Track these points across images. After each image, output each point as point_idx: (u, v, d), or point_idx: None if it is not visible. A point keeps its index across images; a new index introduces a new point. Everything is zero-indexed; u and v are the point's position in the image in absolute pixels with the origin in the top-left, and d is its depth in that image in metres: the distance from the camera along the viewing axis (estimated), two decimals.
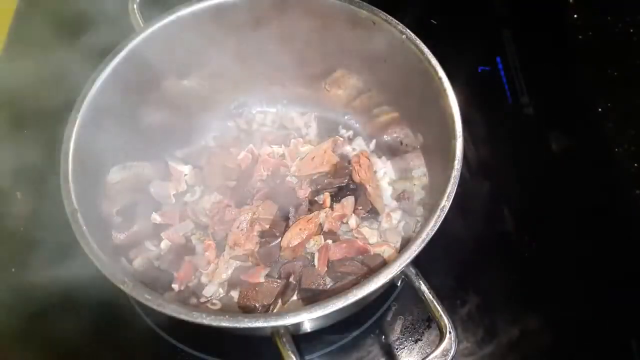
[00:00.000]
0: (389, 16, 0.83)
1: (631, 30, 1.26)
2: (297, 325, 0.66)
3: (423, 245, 0.65)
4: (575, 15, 1.28)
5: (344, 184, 0.96)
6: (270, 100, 1.09)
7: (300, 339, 0.86)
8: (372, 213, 0.96)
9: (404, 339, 0.89)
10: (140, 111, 0.89)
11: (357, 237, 0.91)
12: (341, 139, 1.03)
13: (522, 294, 0.93)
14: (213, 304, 0.87)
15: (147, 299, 0.62)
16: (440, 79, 0.77)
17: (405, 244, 0.68)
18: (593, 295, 0.93)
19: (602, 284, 0.94)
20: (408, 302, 0.92)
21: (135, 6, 0.89)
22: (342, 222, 0.93)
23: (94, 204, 0.77)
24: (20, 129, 1.11)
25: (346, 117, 1.08)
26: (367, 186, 0.94)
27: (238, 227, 0.89)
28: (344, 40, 0.91)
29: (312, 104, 1.08)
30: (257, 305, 0.82)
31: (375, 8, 0.84)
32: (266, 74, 1.04)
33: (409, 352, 0.88)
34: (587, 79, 1.19)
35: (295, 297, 0.87)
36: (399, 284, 0.70)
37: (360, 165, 0.95)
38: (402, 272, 0.65)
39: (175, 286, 0.86)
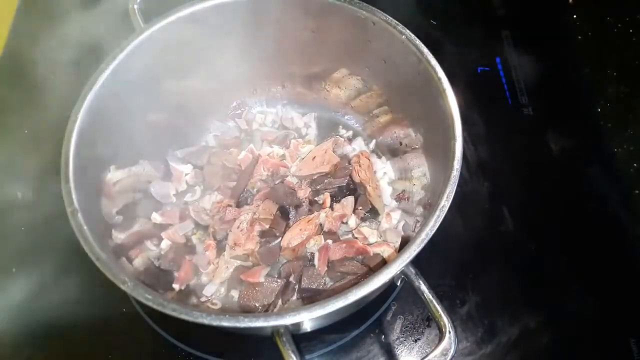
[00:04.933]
0: (388, 16, 0.83)
1: (631, 30, 1.26)
2: (297, 325, 0.66)
3: (423, 245, 0.65)
4: (575, 15, 1.28)
5: (344, 184, 0.97)
6: (270, 100, 1.09)
7: (300, 339, 0.86)
8: (372, 213, 0.96)
9: (403, 339, 0.90)
10: (141, 111, 0.89)
11: (357, 237, 0.91)
12: (342, 139, 1.03)
13: (522, 294, 0.94)
14: (213, 303, 0.87)
15: (148, 298, 0.62)
16: (439, 79, 0.77)
17: (405, 243, 0.68)
18: (593, 295, 0.93)
19: (602, 284, 0.94)
20: (408, 302, 0.92)
21: (135, 6, 0.89)
22: (342, 222, 0.93)
23: (94, 204, 0.77)
24: (20, 128, 1.11)
25: (346, 117, 1.08)
26: (367, 186, 0.94)
27: (238, 227, 0.89)
28: (344, 40, 0.91)
29: (312, 104, 1.08)
30: (257, 305, 0.82)
31: (375, 8, 0.84)
32: (266, 74, 1.04)
33: (408, 351, 0.88)
34: (587, 79, 1.19)
35: (295, 297, 0.87)
36: (398, 284, 0.70)
37: (360, 165, 0.96)
38: (402, 272, 0.65)
39: (175, 286, 0.86)
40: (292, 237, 0.88)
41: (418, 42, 0.81)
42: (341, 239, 0.91)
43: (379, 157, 1.03)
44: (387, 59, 0.89)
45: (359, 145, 1.04)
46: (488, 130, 1.10)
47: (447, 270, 0.95)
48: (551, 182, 1.05)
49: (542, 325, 0.90)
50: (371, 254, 0.87)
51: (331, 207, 0.94)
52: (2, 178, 1.06)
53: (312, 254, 0.89)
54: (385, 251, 0.87)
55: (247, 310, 0.83)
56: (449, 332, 0.62)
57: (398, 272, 0.64)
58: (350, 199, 0.95)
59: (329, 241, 0.89)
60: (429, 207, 0.77)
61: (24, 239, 0.99)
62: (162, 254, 0.90)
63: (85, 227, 0.67)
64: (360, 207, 0.95)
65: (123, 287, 0.63)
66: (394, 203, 0.97)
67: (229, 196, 0.95)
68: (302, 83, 1.05)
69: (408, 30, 0.82)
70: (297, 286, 0.86)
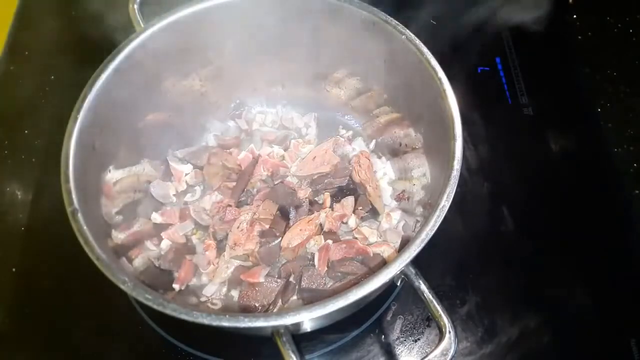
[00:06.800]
0: (388, 16, 0.83)
1: (631, 30, 1.26)
2: (297, 325, 0.66)
3: (423, 245, 0.65)
4: (575, 15, 1.28)
5: (344, 184, 0.97)
6: (270, 101, 1.09)
7: (300, 339, 0.86)
8: (372, 213, 0.96)
9: (403, 339, 0.90)
10: (141, 111, 0.89)
11: (357, 237, 0.91)
12: (342, 139, 1.03)
13: (522, 294, 0.94)
14: (213, 303, 0.87)
15: (148, 298, 0.62)
16: (440, 79, 0.77)
17: (405, 243, 0.68)
18: (593, 296, 0.93)
19: (602, 284, 0.94)
20: (408, 302, 0.92)
21: (135, 6, 0.89)
22: (342, 222, 0.93)
23: (94, 204, 0.77)
24: (21, 128, 1.11)
25: (346, 117, 1.08)
26: (367, 186, 0.94)
27: (238, 227, 0.89)
28: (344, 41, 0.91)
29: (312, 104, 1.08)
30: (257, 305, 0.82)
31: (375, 8, 0.84)
32: (266, 74, 1.04)
33: (408, 351, 0.88)
34: (587, 79, 1.19)
35: (295, 297, 0.87)
36: (398, 284, 0.70)
37: (360, 166, 0.96)
38: (402, 272, 0.65)
39: (175, 286, 0.86)
40: (292, 237, 0.88)
41: (418, 42, 0.81)
42: (341, 239, 0.91)
43: (379, 157, 1.03)
44: (387, 59, 0.89)
45: (359, 145, 1.04)
46: (488, 130, 1.10)
47: (447, 270, 0.95)
48: (551, 182, 1.05)
49: (542, 325, 0.90)
50: (371, 254, 0.87)
51: (331, 207, 0.94)
52: (2, 178, 1.07)
53: (312, 254, 0.89)
54: (385, 251, 0.87)
55: (247, 310, 0.83)
56: (449, 332, 0.62)
57: (398, 272, 0.64)
58: (350, 199, 0.95)
59: (329, 241, 0.89)
60: (429, 207, 0.77)
61: (24, 239, 0.99)
62: (162, 254, 0.90)
63: (85, 227, 0.67)
64: (360, 207, 0.95)
65: (123, 287, 0.63)
66: (394, 203, 0.97)
67: (229, 196, 0.95)
68: (302, 83, 1.05)
69: (408, 31, 0.82)
70: (297, 286, 0.86)
